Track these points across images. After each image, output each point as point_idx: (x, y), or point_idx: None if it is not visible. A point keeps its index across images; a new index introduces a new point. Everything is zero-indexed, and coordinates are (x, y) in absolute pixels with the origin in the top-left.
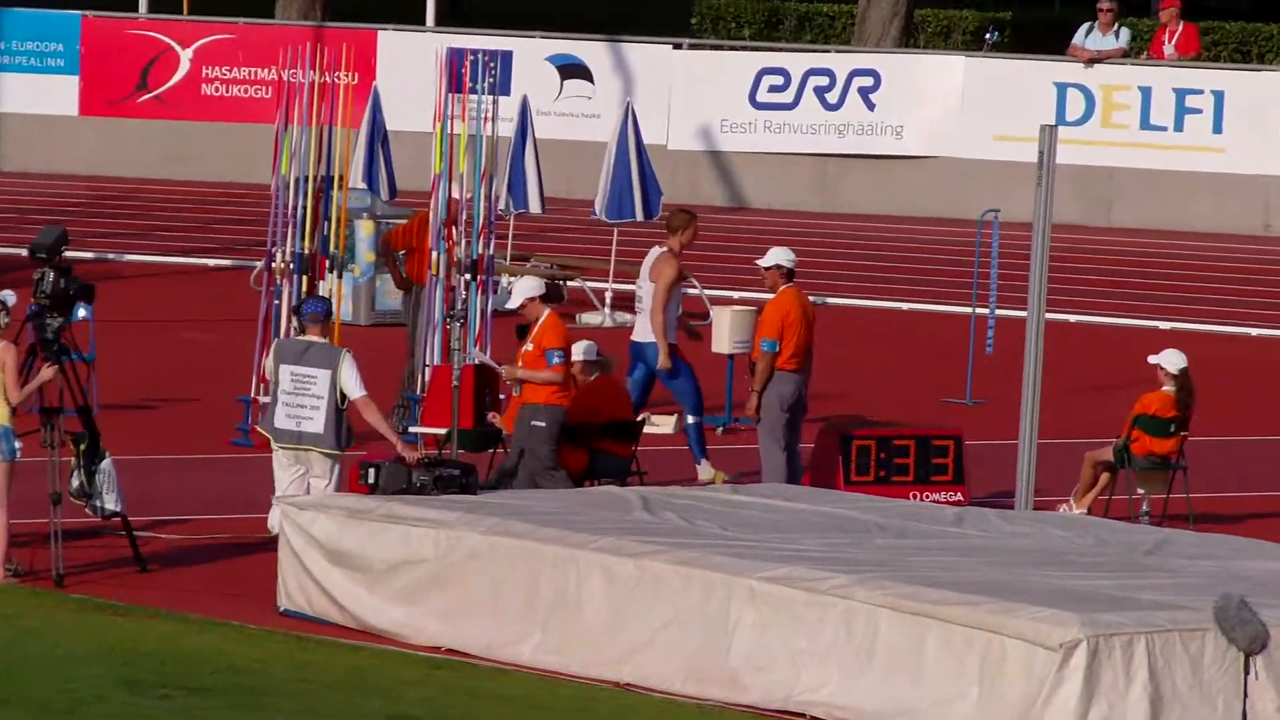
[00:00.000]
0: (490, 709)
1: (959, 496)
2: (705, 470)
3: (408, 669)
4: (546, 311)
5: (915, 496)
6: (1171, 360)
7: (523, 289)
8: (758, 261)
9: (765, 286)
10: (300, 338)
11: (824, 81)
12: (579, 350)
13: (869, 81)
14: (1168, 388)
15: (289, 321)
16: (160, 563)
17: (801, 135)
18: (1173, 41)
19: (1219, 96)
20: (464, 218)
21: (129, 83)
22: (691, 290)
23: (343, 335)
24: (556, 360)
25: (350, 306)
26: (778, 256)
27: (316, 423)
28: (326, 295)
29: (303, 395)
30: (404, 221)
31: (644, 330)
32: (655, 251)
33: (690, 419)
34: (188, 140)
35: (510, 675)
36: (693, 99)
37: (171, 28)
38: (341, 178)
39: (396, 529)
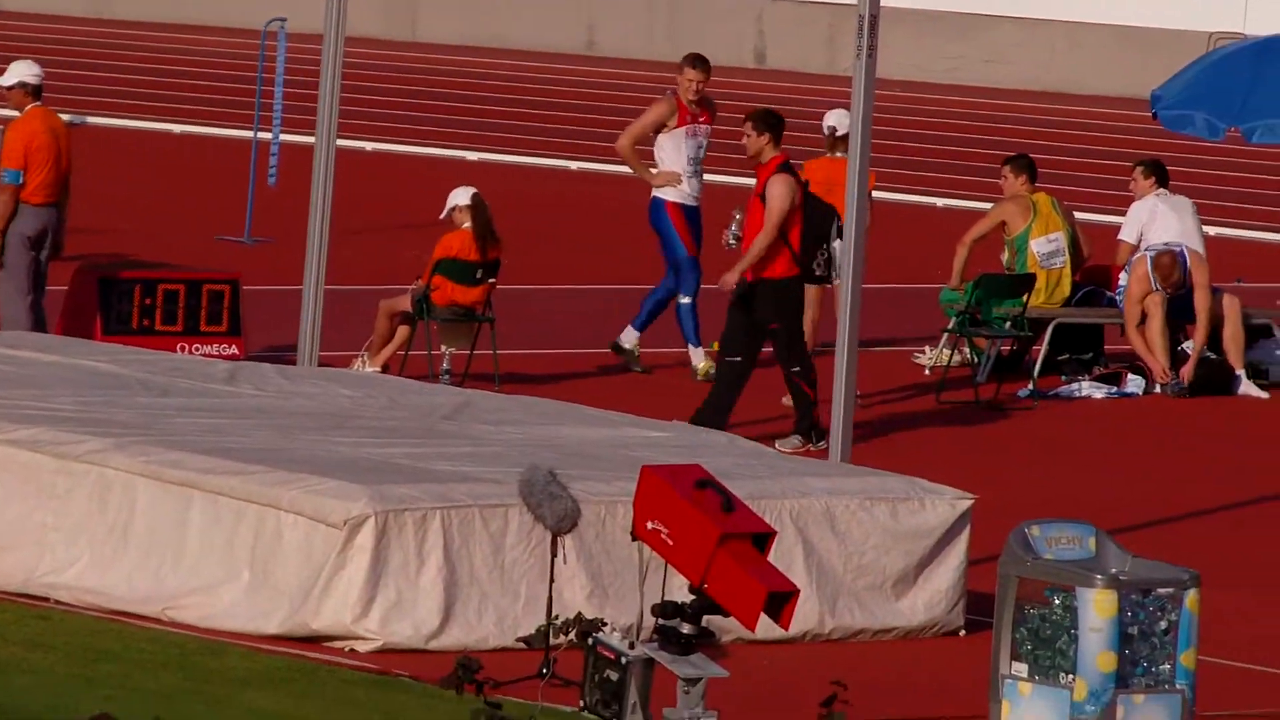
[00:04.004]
0: None
1: (234, 350)
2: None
3: None
4: None
5: (184, 349)
6: (461, 193)
7: None
8: None
9: (11, 107)
10: None
11: None
12: None
13: None
14: (467, 224)
15: None
16: None
17: None
18: None
19: None
20: None
21: None
22: None
23: None
24: None
25: None
26: (20, 73)
27: None
28: None
29: None
30: None
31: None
32: None
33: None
34: None
35: None
36: None
37: None
38: None
39: None
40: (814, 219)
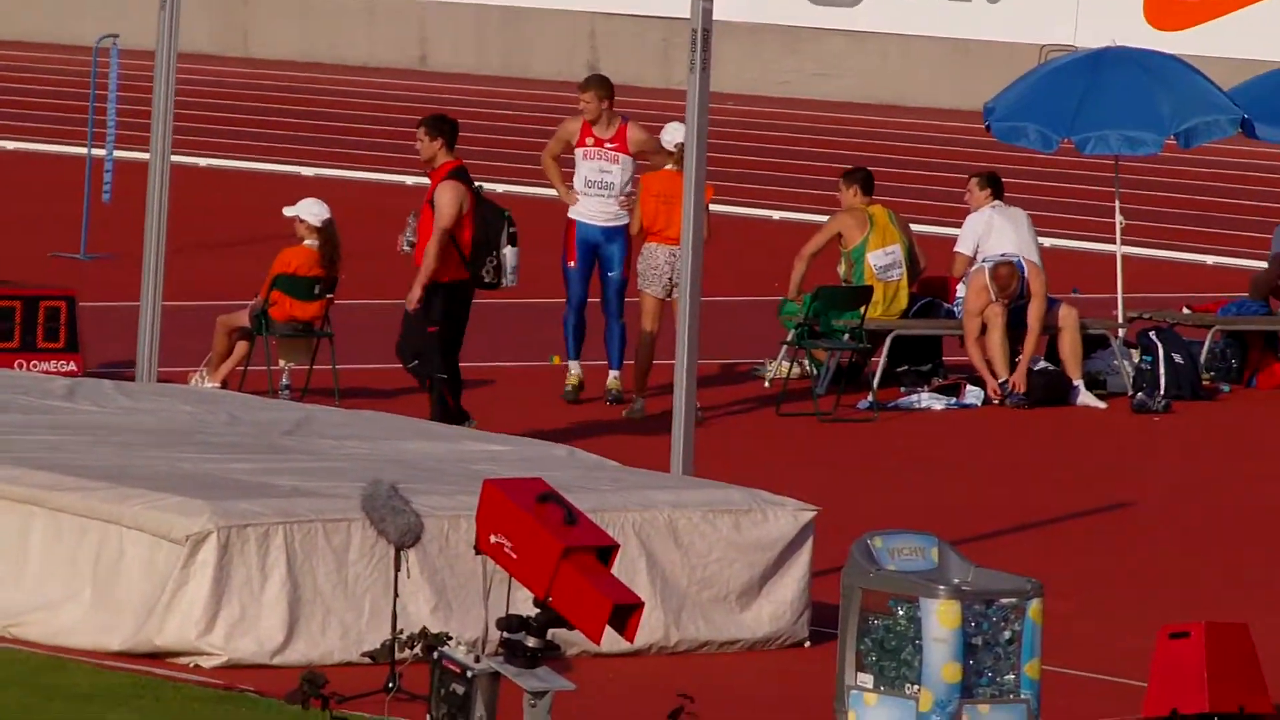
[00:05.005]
0: None
1: (71, 366)
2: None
3: None
4: None
5: (21, 366)
6: (312, 211)
7: None
8: None
9: None
10: None
11: None
12: None
13: None
14: (310, 242)
15: None
16: None
17: None
18: None
19: None
20: None
21: None
22: None
23: None
24: None
25: None
26: None
27: None
28: None
29: None
30: None
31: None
32: None
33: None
34: None
35: None
36: None
37: None
38: None
39: None
40: (485, 224)
